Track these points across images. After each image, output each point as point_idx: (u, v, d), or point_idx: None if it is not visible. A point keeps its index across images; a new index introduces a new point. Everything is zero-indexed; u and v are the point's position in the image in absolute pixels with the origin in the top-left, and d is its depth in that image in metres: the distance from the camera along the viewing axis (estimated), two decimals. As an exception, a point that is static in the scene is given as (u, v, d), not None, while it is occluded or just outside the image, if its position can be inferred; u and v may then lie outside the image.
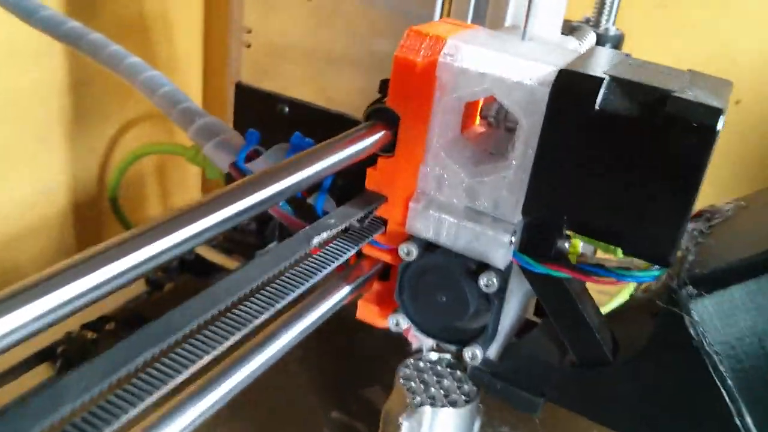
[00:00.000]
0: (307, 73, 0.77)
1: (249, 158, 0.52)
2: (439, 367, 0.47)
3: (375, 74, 0.69)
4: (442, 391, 0.46)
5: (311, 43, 0.75)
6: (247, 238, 0.85)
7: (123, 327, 0.68)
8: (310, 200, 0.50)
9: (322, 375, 0.63)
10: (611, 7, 0.58)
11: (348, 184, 0.47)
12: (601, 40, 0.61)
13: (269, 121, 0.80)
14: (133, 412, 0.26)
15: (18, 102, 0.74)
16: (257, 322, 0.32)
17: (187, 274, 0.83)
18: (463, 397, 0.46)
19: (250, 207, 0.31)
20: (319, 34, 0.74)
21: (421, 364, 0.47)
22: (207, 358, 0.29)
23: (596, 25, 0.58)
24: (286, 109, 0.79)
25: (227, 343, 0.31)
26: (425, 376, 0.47)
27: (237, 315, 0.32)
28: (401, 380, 0.47)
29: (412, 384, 0.47)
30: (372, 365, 0.64)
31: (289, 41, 0.76)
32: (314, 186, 0.49)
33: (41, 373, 0.64)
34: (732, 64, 0.86)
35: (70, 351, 0.64)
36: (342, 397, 0.60)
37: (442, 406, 0.44)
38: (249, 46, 0.80)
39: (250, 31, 0.80)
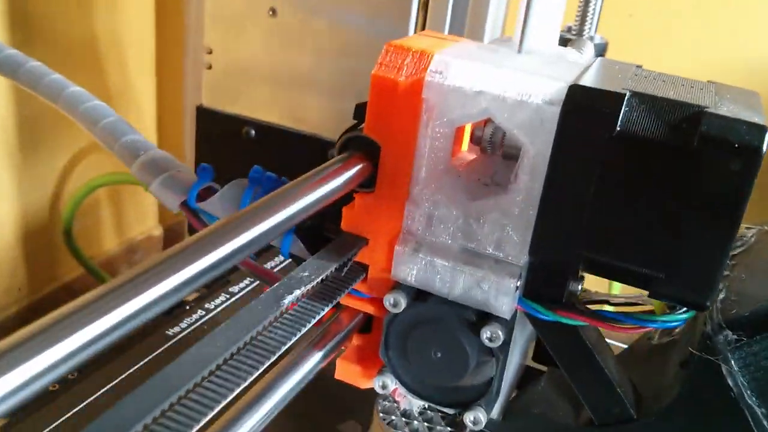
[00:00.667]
0: (273, 94, 0.74)
1: (201, 197, 0.45)
2: None
3: (346, 94, 0.65)
4: (426, 424, 0.40)
5: (277, 62, 0.72)
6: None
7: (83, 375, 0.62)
8: (273, 242, 0.43)
9: (293, 406, 0.58)
10: (594, 15, 0.54)
11: (317, 222, 0.41)
12: (583, 51, 0.56)
13: (234, 145, 0.77)
14: None
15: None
16: (216, 409, 0.26)
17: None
18: (448, 429, 0.40)
19: (203, 270, 0.25)
20: (285, 54, 0.70)
21: None
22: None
23: (579, 33, 0.53)
24: (252, 132, 0.76)
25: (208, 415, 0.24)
26: (407, 408, 0.41)
27: (195, 399, 0.26)
28: (381, 415, 0.41)
29: (393, 418, 0.41)
30: (346, 397, 0.58)
31: (253, 61, 0.73)
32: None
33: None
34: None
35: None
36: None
37: None
38: (210, 67, 0.76)
39: (210, 52, 0.76)
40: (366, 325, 0.40)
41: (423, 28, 0.68)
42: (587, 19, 0.53)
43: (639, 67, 0.35)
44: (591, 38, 0.60)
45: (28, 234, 0.80)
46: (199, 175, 0.46)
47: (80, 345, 0.19)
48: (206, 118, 0.79)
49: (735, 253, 0.38)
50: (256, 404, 0.31)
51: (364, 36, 0.61)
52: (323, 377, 0.61)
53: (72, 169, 0.84)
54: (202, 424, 0.25)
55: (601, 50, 0.61)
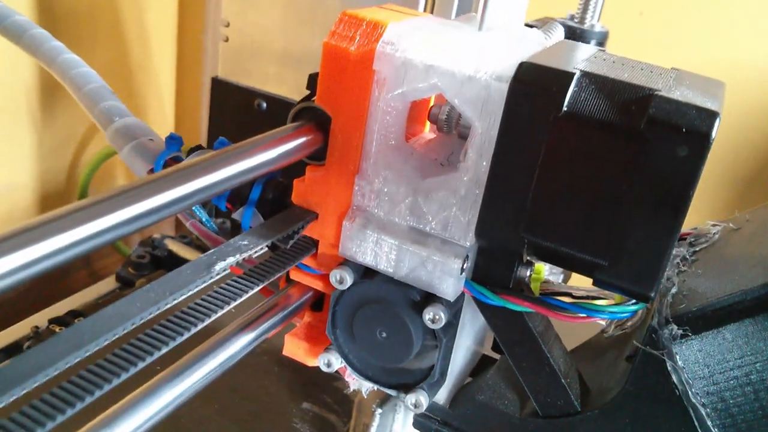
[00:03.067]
0: (286, 69, 0.76)
1: (168, 166, 0.45)
2: None
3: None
4: None
5: (290, 38, 0.74)
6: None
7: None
8: (235, 215, 0.43)
9: (290, 366, 0.60)
10: (596, 3, 0.53)
11: (279, 197, 0.40)
12: (585, 37, 0.55)
13: (246, 117, 0.80)
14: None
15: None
16: (141, 365, 0.26)
17: (159, 270, 0.81)
18: None
19: (135, 217, 0.24)
20: (298, 30, 0.72)
21: None
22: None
23: (581, 21, 0.52)
24: (264, 104, 0.78)
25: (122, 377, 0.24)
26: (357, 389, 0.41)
27: (128, 350, 0.26)
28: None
29: None
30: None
31: (267, 36, 0.75)
32: (241, 199, 0.42)
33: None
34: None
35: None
36: (312, 388, 0.58)
37: None
38: (227, 39, 0.79)
39: (228, 25, 0.78)
40: (319, 302, 0.39)
41: (432, 9, 0.68)
42: (590, 7, 0.52)
43: (602, 50, 0.34)
44: (592, 26, 0.59)
45: (45, 198, 0.81)
46: (167, 144, 0.46)
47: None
48: (220, 89, 0.81)
49: (697, 249, 0.37)
50: (190, 368, 0.31)
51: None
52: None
53: (91, 136, 0.85)
54: (119, 381, 0.25)
55: (601, 39, 0.60)
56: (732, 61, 0.87)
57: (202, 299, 0.29)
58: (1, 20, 0.52)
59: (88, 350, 0.24)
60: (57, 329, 0.65)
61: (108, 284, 0.78)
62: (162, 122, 0.97)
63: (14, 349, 0.64)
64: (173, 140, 0.46)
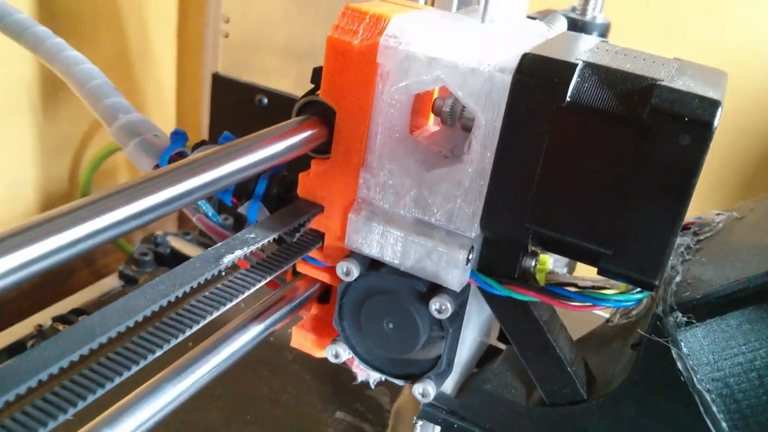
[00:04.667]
0: (286, 64, 0.76)
1: (173, 161, 0.45)
2: None
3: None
4: None
5: (290, 34, 0.74)
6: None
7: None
8: (241, 209, 0.43)
9: (323, 373, 0.60)
10: (598, -4, 0.53)
11: (284, 191, 0.41)
12: (587, 29, 0.55)
13: (247, 112, 0.80)
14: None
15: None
16: (150, 358, 0.26)
17: (162, 267, 0.81)
18: None
19: (141, 212, 0.25)
20: (298, 25, 0.72)
21: None
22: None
23: (583, 13, 0.53)
24: (265, 100, 0.78)
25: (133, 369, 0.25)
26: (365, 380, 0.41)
27: (137, 344, 0.26)
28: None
29: None
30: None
31: (267, 32, 0.75)
32: (246, 193, 0.42)
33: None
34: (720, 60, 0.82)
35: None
36: (345, 397, 0.58)
37: None
38: (227, 35, 0.79)
39: (228, 21, 0.78)
40: (325, 294, 0.40)
41: (433, 2, 0.68)
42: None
43: (605, 41, 0.34)
44: (593, 18, 0.59)
45: (48, 196, 0.82)
46: (172, 140, 0.46)
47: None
48: (221, 85, 0.81)
49: (701, 238, 0.37)
50: (199, 361, 0.31)
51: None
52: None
53: (93, 133, 0.85)
54: (129, 374, 0.25)
55: (602, 30, 0.60)
56: (741, 47, 0.87)
57: (210, 293, 0.29)
58: (2, 18, 0.52)
59: (100, 342, 0.24)
60: (60, 327, 0.65)
61: (111, 282, 0.78)
62: (163, 119, 0.98)
63: (18, 347, 0.64)
64: (178, 136, 0.46)
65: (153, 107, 0.95)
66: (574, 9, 0.60)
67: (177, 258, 0.83)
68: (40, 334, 0.65)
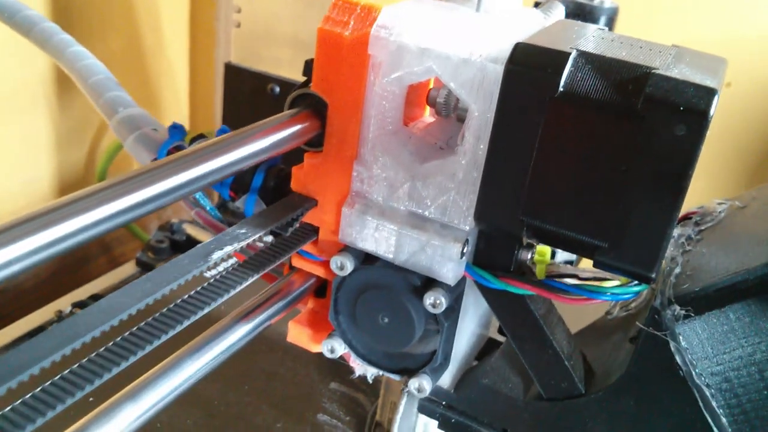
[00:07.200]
0: (298, 53, 0.77)
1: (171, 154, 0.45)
2: None
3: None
4: None
5: (301, 22, 0.74)
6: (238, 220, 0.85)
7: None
8: (237, 203, 0.43)
9: None
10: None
11: (281, 184, 0.40)
12: (594, 15, 0.54)
13: (259, 101, 0.81)
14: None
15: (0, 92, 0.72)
16: (140, 354, 0.26)
17: (178, 254, 0.82)
18: None
19: (134, 205, 0.25)
20: (309, 14, 0.73)
21: None
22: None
23: (589, -2, 0.52)
24: (277, 89, 0.79)
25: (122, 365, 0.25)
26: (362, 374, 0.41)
27: (127, 340, 0.26)
28: None
29: None
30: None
31: (279, 21, 0.76)
32: (243, 186, 0.42)
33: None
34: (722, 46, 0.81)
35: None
36: (339, 368, 0.59)
37: None
38: (239, 25, 0.80)
39: (239, 11, 0.79)
40: (322, 289, 0.39)
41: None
42: (599, -19, 0.51)
43: (602, 28, 0.33)
44: (602, 2, 0.58)
45: (64, 188, 0.82)
46: (169, 134, 0.46)
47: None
48: (234, 74, 0.82)
49: (702, 228, 0.36)
50: (195, 353, 0.31)
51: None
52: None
53: (107, 125, 0.86)
54: (119, 369, 0.25)
55: (611, 15, 0.59)
56: (750, 33, 0.85)
57: (204, 287, 0.29)
58: (12, 14, 0.52)
59: (83, 341, 0.24)
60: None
61: (128, 269, 0.79)
62: (176, 109, 0.98)
63: (39, 332, 0.66)
64: (176, 129, 0.46)
65: (167, 97, 0.95)
66: None
67: (192, 245, 0.84)
68: (60, 319, 0.66)
